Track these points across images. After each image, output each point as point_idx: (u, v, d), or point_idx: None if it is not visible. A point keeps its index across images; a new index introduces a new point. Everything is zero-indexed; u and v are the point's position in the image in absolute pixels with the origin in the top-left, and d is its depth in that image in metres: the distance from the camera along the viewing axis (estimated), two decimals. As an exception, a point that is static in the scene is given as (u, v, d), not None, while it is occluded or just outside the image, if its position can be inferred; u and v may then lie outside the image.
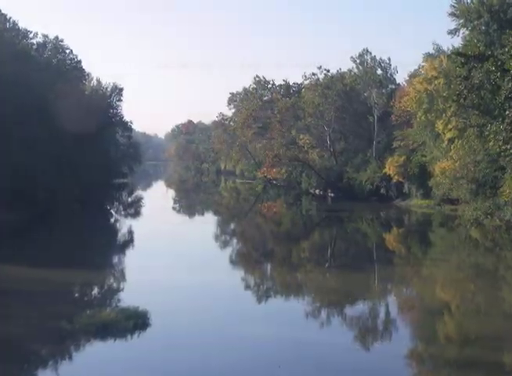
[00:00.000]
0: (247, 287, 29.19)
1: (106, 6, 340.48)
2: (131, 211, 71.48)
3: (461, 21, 51.14)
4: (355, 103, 79.12)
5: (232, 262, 36.46)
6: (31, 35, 67.99)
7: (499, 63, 36.59)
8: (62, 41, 74.25)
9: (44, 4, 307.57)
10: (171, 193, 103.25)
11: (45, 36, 72.51)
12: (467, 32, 50.92)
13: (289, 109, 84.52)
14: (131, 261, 34.83)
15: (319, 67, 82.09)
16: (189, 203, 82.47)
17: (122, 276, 30.87)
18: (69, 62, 75.58)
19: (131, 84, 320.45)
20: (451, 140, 52.56)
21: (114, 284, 29.72)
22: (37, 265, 29.83)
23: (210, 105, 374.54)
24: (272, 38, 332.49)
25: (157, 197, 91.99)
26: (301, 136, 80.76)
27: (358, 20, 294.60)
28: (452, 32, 52.49)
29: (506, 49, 37.87)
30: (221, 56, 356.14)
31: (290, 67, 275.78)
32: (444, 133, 53.41)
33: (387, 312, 24.88)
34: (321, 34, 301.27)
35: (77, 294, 27.84)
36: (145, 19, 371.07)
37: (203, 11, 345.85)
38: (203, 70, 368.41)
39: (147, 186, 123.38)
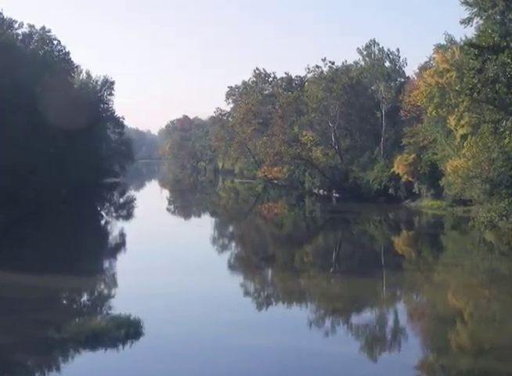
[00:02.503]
0: (247, 293, 29.21)
1: (105, 6, 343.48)
2: (123, 212, 71.51)
3: (474, 10, 51.02)
4: (362, 98, 79.08)
5: (230, 266, 36.45)
6: (16, 25, 67.93)
7: (515, 55, 36.49)
8: (49, 31, 74.13)
9: (43, 3, 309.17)
10: (166, 193, 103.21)
11: (31, 26, 72.42)
12: (481, 22, 50.83)
13: (291, 104, 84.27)
14: (123, 265, 34.84)
15: (323, 59, 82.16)
16: (184, 204, 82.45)
17: (113, 282, 30.89)
18: (56, 53, 75.41)
19: (131, 84, 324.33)
20: (464, 137, 52.46)
21: (105, 290, 29.74)
22: (24, 269, 29.83)
23: (209, 104, 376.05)
24: (272, 38, 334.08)
25: (151, 198, 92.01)
26: (304, 133, 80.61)
27: (359, 19, 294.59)
28: (465, 22, 52.25)
29: (523, 40, 37.78)
30: (221, 56, 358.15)
31: (291, 64, 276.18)
32: (456, 129, 53.34)
33: (396, 320, 24.91)
34: (322, 34, 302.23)
35: (65, 301, 27.88)
36: (145, 19, 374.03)
37: (204, 11, 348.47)
38: (202, 69, 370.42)
39: (140, 185, 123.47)
